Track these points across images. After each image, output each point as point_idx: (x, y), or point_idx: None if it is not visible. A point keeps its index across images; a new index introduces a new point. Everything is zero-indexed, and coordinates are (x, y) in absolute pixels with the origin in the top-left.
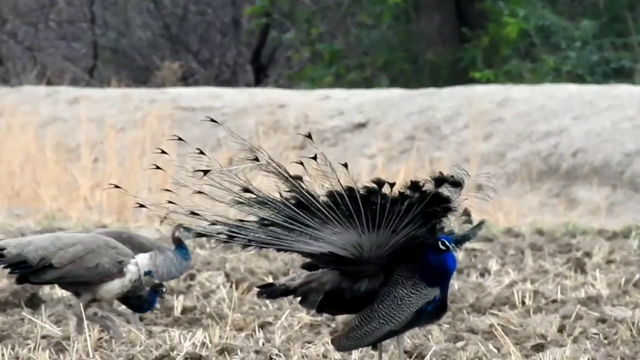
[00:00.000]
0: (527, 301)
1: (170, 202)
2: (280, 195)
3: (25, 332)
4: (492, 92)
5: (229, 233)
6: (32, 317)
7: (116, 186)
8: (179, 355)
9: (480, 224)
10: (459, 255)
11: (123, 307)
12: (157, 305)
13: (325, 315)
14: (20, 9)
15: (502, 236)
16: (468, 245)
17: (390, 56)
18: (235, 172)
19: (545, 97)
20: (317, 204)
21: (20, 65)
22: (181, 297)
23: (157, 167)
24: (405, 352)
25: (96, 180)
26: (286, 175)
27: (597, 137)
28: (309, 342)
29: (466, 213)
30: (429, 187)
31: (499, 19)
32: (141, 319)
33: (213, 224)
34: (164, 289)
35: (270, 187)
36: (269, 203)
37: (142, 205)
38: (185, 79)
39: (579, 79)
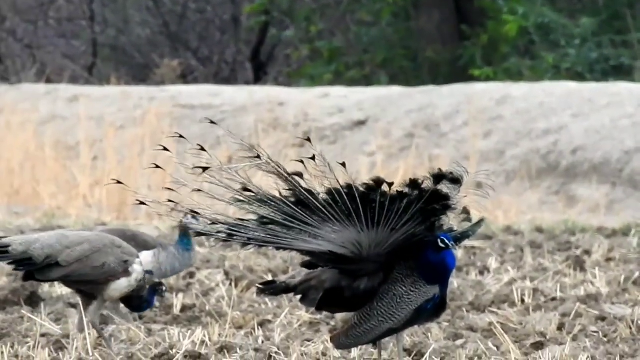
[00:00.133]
0: (526, 299)
1: (170, 200)
2: (280, 194)
3: (25, 330)
4: (491, 89)
5: (229, 232)
6: (32, 315)
7: (118, 182)
8: (178, 353)
9: (480, 221)
10: (459, 253)
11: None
12: (157, 304)
13: (324, 313)
14: (20, 6)
15: (502, 234)
16: (467, 243)
17: (389, 54)
18: (234, 170)
19: (545, 94)
20: (316, 202)
21: (20, 63)
22: (180, 295)
23: (157, 166)
24: (405, 350)
25: (95, 178)
26: (285, 174)
27: (596, 134)
28: (309, 340)
29: (465, 211)
30: (427, 184)
31: (499, 16)
32: (140, 317)
33: (213, 223)
34: (164, 288)
35: (270, 185)
36: (269, 201)
37: (142, 203)
38: (185, 77)
39: (578, 76)
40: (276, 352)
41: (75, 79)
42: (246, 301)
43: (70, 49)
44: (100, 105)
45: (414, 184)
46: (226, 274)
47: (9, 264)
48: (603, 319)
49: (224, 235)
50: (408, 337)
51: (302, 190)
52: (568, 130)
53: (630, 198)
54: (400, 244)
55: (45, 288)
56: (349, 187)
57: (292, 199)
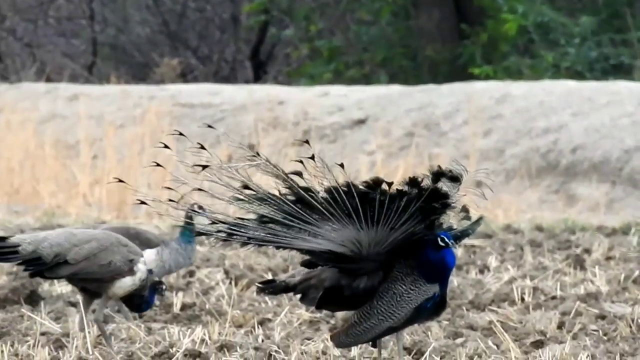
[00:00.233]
0: (526, 298)
1: (171, 200)
2: (279, 193)
3: (25, 329)
4: (491, 88)
5: (229, 231)
6: (32, 314)
7: (120, 180)
8: (178, 351)
9: (479, 219)
10: (458, 251)
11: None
12: (157, 302)
13: (324, 312)
14: (20, 5)
15: (502, 232)
16: (467, 241)
17: (389, 52)
18: (234, 169)
19: (544, 93)
20: (314, 202)
21: (20, 62)
22: (180, 294)
23: (157, 164)
24: (405, 348)
25: (95, 176)
26: (283, 175)
27: (596, 133)
28: (309, 339)
29: (464, 209)
30: (427, 182)
31: (498, 15)
32: (140, 316)
33: (213, 222)
34: (164, 287)
35: (269, 184)
36: (268, 200)
37: (142, 202)
38: (184, 76)
39: (578, 75)
40: (276, 351)
41: (75, 77)
42: (246, 300)
43: (70, 47)
44: (100, 104)
45: (413, 182)
46: (226, 272)
47: (18, 264)
48: (603, 317)
49: (224, 235)
50: (408, 335)
51: (301, 190)
52: (568, 129)
53: (630, 197)
54: (400, 243)
55: (45, 287)
56: (348, 186)
57: (292, 198)
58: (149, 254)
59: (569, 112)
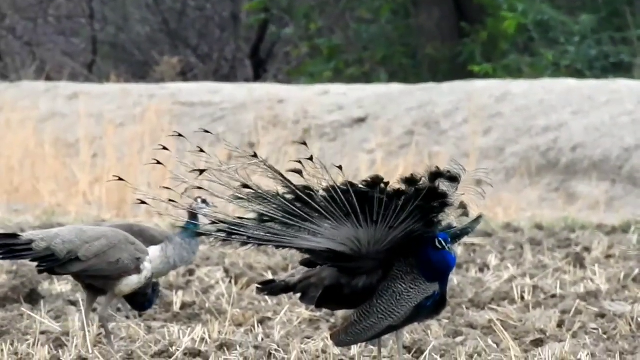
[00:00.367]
0: (526, 296)
1: (171, 200)
2: (278, 192)
3: (25, 327)
4: (491, 86)
5: (229, 231)
6: (32, 312)
7: (120, 178)
8: (178, 350)
9: (478, 218)
10: (458, 250)
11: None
12: (157, 301)
13: (324, 310)
14: (19, 4)
15: (502, 231)
16: (467, 240)
17: (389, 51)
18: (232, 170)
19: (544, 91)
20: (313, 202)
21: (19, 61)
22: (180, 293)
23: (158, 162)
24: (405, 347)
25: (95, 175)
26: (282, 177)
27: (596, 131)
28: (308, 338)
29: (462, 205)
30: (424, 182)
31: (498, 13)
32: (140, 315)
33: (213, 222)
34: (159, 287)
35: (269, 184)
36: (268, 199)
37: (142, 202)
38: (184, 74)
39: (578, 73)
40: (276, 350)
41: (75, 76)
42: (246, 298)
43: (69, 46)
44: (99, 102)
45: (411, 181)
46: (226, 271)
47: (31, 260)
48: (603, 316)
49: (224, 235)
50: (408, 334)
51: (298, 190)
52: (568, 127)
53: (629, 195)
54: (399, 241)
55: (44, 286)
56: (347, 185)
57: (291, 197)
58: (154, 251)
59: (569, 111)
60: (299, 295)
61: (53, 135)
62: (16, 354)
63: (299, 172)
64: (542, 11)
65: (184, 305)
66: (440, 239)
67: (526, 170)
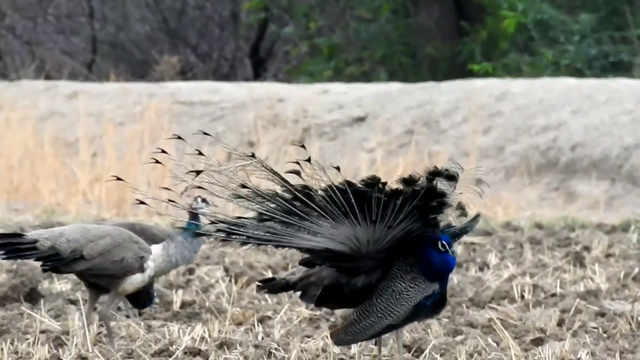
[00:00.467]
0: (526, 295)
1: (170, 200)
2: (277, 193)
3: (25, 326)
4: (491, 85)
5: (228, 230)
6: (31, 311)
7: (118, 178)
8: (178, 349)
9: (476, 217)
10: (458, 249)
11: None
12: (157, 300)
13: (324, 309)
14: (19, 3)
15: (501, 230)
16: (467, 239)
17: (389, 50)
18: (231, 170)
19: (544, 90)
20: (311, 202)
21: (19, 60)
22: (180, 292)
23: (156, 162)
24: (405, 346)
25: (95, 174)
26: (279, 178)
27: (595, 130)
28: (308, 337)
29: (460, 206)
30: (422, 182)
31: (497, 12)
32: (140, 314)
33: (212, 222)
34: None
35: (268, 184)
36: (267, 198)
37: (141, 202)
38: (184, 73)
39: (578, 72)
40: (276, 349)
41: (75, 75)
42: (246, 297)
43: (69, 45)
44: (99, 101)
45: (409, 181)
46: (226, 270)
47: (36, 259)
48: (603, 314)
49: (224, 235)
50: (408, 333)
51: (296, 192)
52: (567, 126)
53: (629, 194)
54: (398, 241)
55: (44, 284)
56: (345, 184)
57: (290, 196)
58: (156, 249)
59: (568, 110)
60: (299, 293)
61: (53, 134)
62: (16, 352)
63: (297, 172)
64: (541, 10)
65: (184, 304)
66: (443, 241)
67: (526, 170)
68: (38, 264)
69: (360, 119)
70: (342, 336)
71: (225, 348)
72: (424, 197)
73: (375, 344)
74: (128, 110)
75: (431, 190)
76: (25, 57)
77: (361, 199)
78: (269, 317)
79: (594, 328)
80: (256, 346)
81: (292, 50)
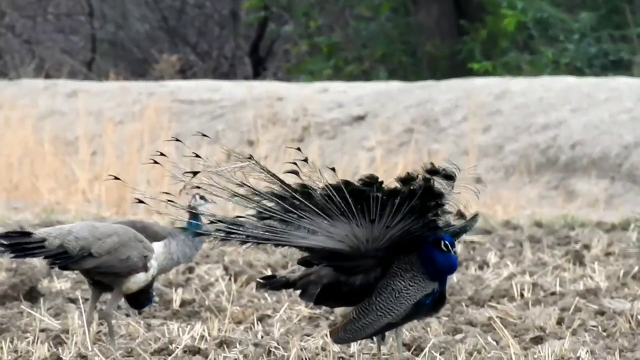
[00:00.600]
0: (525, 294)
1: (169, 200)
2: (276, 192)
3: (24, 325)
4: (490, 84)
5: (227, 230)
6: (31, 310)
7: (116, 177)
8: (177, 348)
9: (475, 216)
10: (458, 247)
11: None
12: (156, 299)
13: (323, 308)
14: (18, 2)
15: (501, 228)
16: (467, 237)
17: (388, 49)
18: (229, 170)
19: (544, 89)
20: (309, 201)
21: (19, 59)
22: (180, 290)
23: (155, 162)
24: (404, 344)
25: (94, 173)
26: (277, 179)
27: (595, 129)
28: (308, 335)
29: (459, 213)
30: (420, 181)
31: (497, 11)
32: (139, 313)
33: (211, 221)
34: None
35: (267, 184)
36: (265, 197)
37: (141, 201)
38: (184, 72)
39: (577, 71)
40: (275, 347)
41: (74, 74)
42: (245, 296)
43: (69, 44)
44: (99, 100)
45: (407, 180)
46: (225, 268)
47: (44, 258)
48: (602, 313)
49: (223, 234)
50: (407, 331)
51: (293, 192)
52: (567, 125)
53: (629, 192)
54: (397, 240)
55: (44, 283)
56: (343, 184)
57: (288, 195)
58: (157, 247)
59: (568, 108)
60: (298, 292)
61: (52, 133)
62: (16, 351)
63: (296, 172)
64: (541, 9)
65: (183, 303)
66: (446, 241)
67: (525, 168)
68: (37, 262)
69: (360, 118)
70: (342, 334)
71: (225, 347)
72: (422, 197)
73: (375, 343)
74: (128, 109)
75: (429, 189)
76: (24, 55)
77: (359, 198)
78: (269, 316)
79: (594, 326)
80: (256, 345)
81: (291, 48)
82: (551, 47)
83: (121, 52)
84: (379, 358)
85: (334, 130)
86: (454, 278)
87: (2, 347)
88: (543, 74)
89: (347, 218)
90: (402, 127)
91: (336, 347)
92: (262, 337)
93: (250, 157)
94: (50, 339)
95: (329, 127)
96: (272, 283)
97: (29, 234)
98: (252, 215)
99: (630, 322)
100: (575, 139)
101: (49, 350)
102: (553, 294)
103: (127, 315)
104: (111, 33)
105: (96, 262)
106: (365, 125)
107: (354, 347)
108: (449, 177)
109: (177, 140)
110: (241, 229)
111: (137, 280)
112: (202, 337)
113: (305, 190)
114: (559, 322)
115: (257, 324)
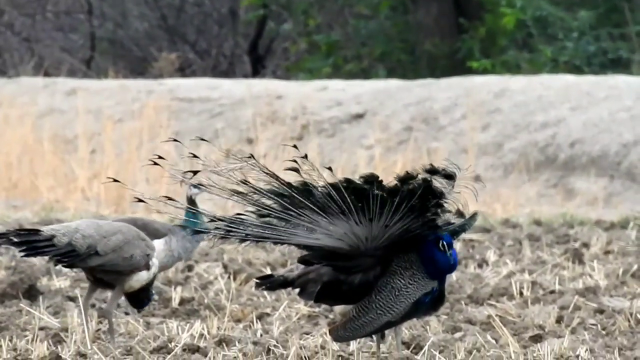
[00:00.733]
0: (525, 292)
1: (169, 199)
2: (275, 191)
3: (23, 323)
4: (489, 82)
5: (226, 228)
6: (30, 308)
7: (114, 180)
8: (177, 346)
9: (474, 215)
10: (457, 246)
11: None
12: (156, 297)
13: (323, 306)
14: (18, 0)
15: (500, 227)
16: (466, 236)
17: (387, 47)
18: (228, 170)
19: (543, 87)
20: (308, 200)
21: (18, 57)
22: (179, 289)
23: (155, 163)
24: (403, 343)
25: (94, 171)
26: (276, 178)
27: (594, 127)
28: (307, 333)
29: (459, 212)
30: (419, 180)
31: (496, 9)
32: (138, 312)
33: (211, 220)
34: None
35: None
36: (265, 195)
37: (140, 200)
38: (183, 70)
39: (576, 69)
40: (275, 345)
41: (73, 72)
42: (245, 294)
43: (68, 42)
44: (98, 98)
45: (406, 180)
46: (225, 267)
47: (52, 256)
48: (601, 311)
49: (222, 232)
50: (407, 330)
51: (292, 190)
52: (566, 123)
53: (628, 191)
54: (397, 239)
55: (43, 281)
56: (343, 182)
57: (287, 193)
58: (158, 245)
59: (567, 107)
60: (297, 290)
61: (51, 131)
62: (15, 349)
63: (296, 170)
64: (540, 7)
65: (182, 301)
66: (444, 241)
67: (525, 166)
68: (37, 260)
69: (359, 116)
70: (341, 333)
71: (224, 345)
72: (422, 196)
73: (374, 341)
74: (127, 107)
75: (428, 189)
76: (24, 54)
77: (359, 196)
78: (268, 314)
79: (593, 325)
80: (255, 343)
81: (290, 47)
82: (550, 46)
83: (120, 51)
84: (378, 356)
85: (333, 128)
86: (453, 276)
87: (1, 346)
88: (542, 72)
89: (346, 216)
90: (401, 126)
91: (335, 346)
92: (261, 335)
93: (251, 156)
94: (49, 337)
95: (328, 125)
96: (270, 282)
97: (37, 232)
98: (251, 213)
99: (629, 321)
100: (574, 137)
101: (48, 349)
102: (552, 292)
103: (127, 314)
104: (110, 31)
105: (101, 260)
106: (364, 124)
107: (353, 345)
108: (449, 176)
109: (176, 140)
110: (240, 227)
111: (139, 279)
112: (201, 335)
113: (304, 188)
114: (558, 320)
115: (257, 322)
